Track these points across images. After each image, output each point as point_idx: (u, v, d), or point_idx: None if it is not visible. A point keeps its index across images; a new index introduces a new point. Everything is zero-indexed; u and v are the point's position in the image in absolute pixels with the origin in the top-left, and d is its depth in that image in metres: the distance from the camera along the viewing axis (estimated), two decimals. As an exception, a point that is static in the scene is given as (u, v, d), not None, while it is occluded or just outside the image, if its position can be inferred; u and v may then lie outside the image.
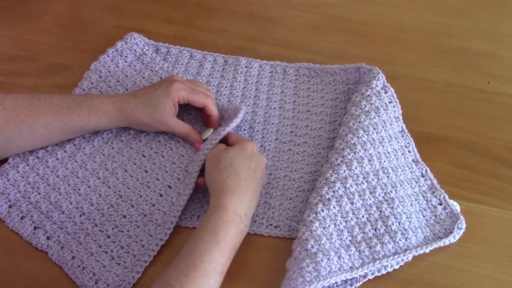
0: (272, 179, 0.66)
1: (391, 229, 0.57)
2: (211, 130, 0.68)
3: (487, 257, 0.59)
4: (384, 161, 0.62)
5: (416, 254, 0.56)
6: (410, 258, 0.57)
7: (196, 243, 0.52)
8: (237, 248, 0.55)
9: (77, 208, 0.61)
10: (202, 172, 0.62)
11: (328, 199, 0.58)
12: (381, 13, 0.90)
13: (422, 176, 0.64)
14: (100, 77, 0.75)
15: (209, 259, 0.51)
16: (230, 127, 0.65)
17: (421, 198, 0.62)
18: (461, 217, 0.60)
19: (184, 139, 0.69)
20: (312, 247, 0.55)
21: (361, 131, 0.63)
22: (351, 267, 0.54)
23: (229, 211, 0.54)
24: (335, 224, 0.57)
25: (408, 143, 0.66)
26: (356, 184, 0.60)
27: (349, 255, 0.55)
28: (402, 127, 0.67)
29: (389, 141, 0.65)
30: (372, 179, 0.60)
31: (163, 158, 0.67)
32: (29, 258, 0.58)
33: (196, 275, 0.49)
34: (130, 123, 0.66)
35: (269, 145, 0.69)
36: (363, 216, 0.58)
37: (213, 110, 0.68)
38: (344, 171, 0.60)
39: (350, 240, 0.57)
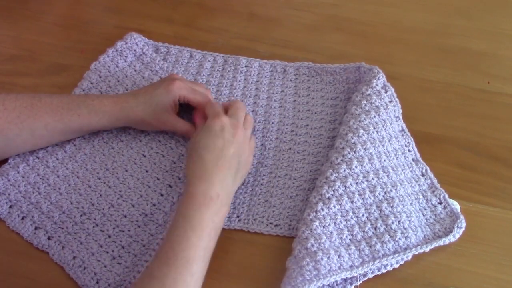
0: (272, 178, 0.66)
1: (391, 228, 0.57)
2: None
3: (487, 257, 0.59)
4: (384, 160, 0.62)
5: (416, 253, 0.56)
6: (410, 257, 0.57)
7: (173, 232, 0.52)
8: (218, 230, 0.54)
9: (77, 208, 0.62)
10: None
11: (328, 198, 0.59)
12: (381, 13, 0.90)
13: (422, 175, 0.64)
14: (100, 77, 0.75)
15: (188, 245, 0.50)
16: None
17: (421, 197, 0.62)
18: (461, 216, 0.60)
19: (184, 138, 0.69)
20: (312, 245, 0.55)
21: (361, 130, 0.63)
22: (351, 266, 0.54)
23: (197, 196, 0.53)
24: (335, 223, 0.57)
25: (408, 142, 0.66)
26: (356, 183, 0.60)
27: (349, 254, 0.55)
28: (402, 126, 0.67)
29: (389, 140, 0.65)
30: (372, 178, 0.60)
31: (164, 157, 0.67)
32: (30, 258, 0.58)
33: (178, 264, 0.49)
34: (131, 122, 0.66)
35: (270, 144, 0.69)
36: (363, 215, 0.58)
37: None
38: (344, 170, 0.60)
39: (350, 239, 0.57)
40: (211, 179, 0.55)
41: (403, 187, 0.61)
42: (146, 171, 0.65)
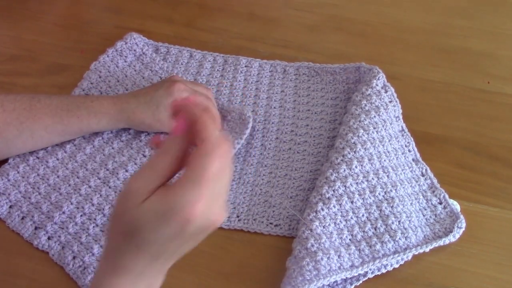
0: (272, 178, 0.66)
1: (391, 228, 0.57)
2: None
3: (487, 257, 0.59)
4: (384, 160, 0.62)
5: (416, 253, 0.56)
6: (410, 257, 0.57)
7: None
8: None
9: (78, 208, 0.62)
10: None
11: (328, 198, 0.59)
12: (381, 13, 0.90)
13: (422, 175, 0.64)
14: (100, 77, 0.75)
15: None
16: (243, 140, 0.66)
17: (421, 197, 0.62)
18: (461, 216, 0.60)
19: None
20: (312, 245, 0.55)
21: (361, 130, 0.63)
22: (351, 266, 0.54)
23: None
24: (335, 223, 0.57)
25: (408, 142, 0.66)
26: (356, 183, 0.60)
27: (349, 254, 0.55)
28: (402, 126, 0.67)
29: (389, 140, 0.65)
30: (372, 178, 0.60)
31: (164, 158, 0.67)
32: (30, 258, 0.58)
33: None
34: (131, 123, 0.66)
35: (270, 144, 0.69)
36: (363, 215, 0.58)
37: (215, 114, 0.68)
38: (344, 170, 0.60)
39: (350, 239, 0.57)
40: (139, 277, 0.36)
41: (403, 187, 0.61)
42: (146, 171, 0.65)
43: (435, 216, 0.60)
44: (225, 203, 0.36)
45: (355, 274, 0.54)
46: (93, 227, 0.60)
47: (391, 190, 0.60)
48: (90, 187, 0.64)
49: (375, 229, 0.57)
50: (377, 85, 0.67)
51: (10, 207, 0.62)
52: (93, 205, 0.62)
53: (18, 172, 0.65)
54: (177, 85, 0.65)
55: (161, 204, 0.33)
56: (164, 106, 0.64)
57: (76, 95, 0.72)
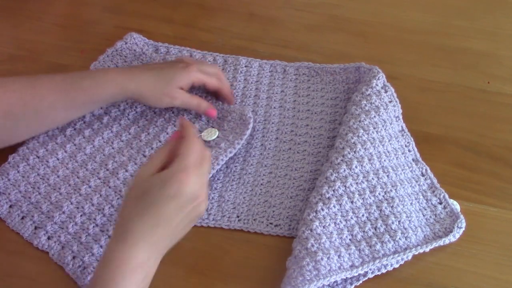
0: (272, 178, 0.66)
1: (391, 228, 0.57)
2: (216, 132, 0.68)
3: (487, 257, 0.59)
4: (384, 160, 0.62)
5: (416, 253, 0.56)
6: (410, 257, 0.57)
7: None
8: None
9: (77, 208, 0.62)
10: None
11: (328, 198, 0.59)
12: (381, 13, 0.90)
13: (422, 175, 0.64)
14: (100, 77, 0.75)
15: None
16: (243, 140, 0.66)
17: (421, 197, 0.62)
18: (461, 216, 0.60)
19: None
20: (312, 246, 0.55)
21: (361, 130, 0.63)
22: (351, 266, 0.54)
23: (126, 262, 0.43)
24: (335, 223, 0.57)
25: (408, 142, 0.66)
26: (356, 183, 0.60)
27: (349, 254, 0.55)
28: (402, 126, 0.67)
29: (389, 140, 0.65)
30: (372, 178, 0.60)
31: (164, 158, 0.67)
32: (29, 258, 0.58)
33: None
34: (138, 94, 0.65)
35: (270, 144, 0.69)
36: (363, 215, 0.58)
37: (227, 94, 0.71)
38: (344, 170, 0.60)
39: (350, 239, 0.57)
40: (147, 241, 0.45)
41: (403, 187, 0.61)
42: (146, 171, 0.65)
43: (435, 216, 0.60)
44: (206, 187, 0.48)
45: (355, 274, 0.54)
46: (93, 227, 0.60)
47: (391, 190, 0.60)
48: (90, 187, 0.64)
49: (375, 229, 0.57)
50: (377, 85, 0.67)
51: (10, 206, 0.62)
52: (93, 205, 0.62)
53: (18, 172, 0.65)
54: (193, 67, 0.67)
55: (164, 174, 0.45)
56: (176, 82, 0.65)
57: (80, 71, 0.70)
